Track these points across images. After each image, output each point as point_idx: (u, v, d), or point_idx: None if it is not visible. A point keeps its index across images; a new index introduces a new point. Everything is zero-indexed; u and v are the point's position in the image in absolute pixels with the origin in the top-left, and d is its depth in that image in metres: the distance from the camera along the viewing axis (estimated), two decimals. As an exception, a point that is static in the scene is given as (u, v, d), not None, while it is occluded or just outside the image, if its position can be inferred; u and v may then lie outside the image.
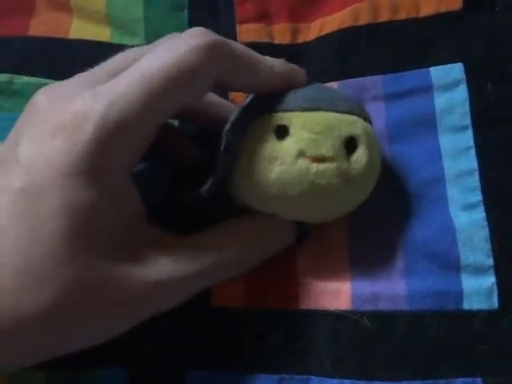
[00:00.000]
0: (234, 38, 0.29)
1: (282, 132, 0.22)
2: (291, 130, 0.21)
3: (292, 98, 0.22)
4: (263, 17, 0.30)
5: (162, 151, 0.25)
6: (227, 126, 0.22)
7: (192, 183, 0.23)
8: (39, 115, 0.20)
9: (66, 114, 0.19)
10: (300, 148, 0.21)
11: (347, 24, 0.28)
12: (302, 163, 0.21)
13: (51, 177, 0.18)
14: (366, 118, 0.23)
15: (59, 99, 0.20)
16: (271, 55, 0.28)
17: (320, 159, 0.21)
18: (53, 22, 0.31)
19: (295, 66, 0.24)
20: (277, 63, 0.23)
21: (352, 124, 0.22)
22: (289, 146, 0.21)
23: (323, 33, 0.29)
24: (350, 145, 0.22)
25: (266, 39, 0.29)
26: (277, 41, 0.29)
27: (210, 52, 0.20)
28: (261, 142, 0.21)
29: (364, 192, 0.23)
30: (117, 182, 0.19)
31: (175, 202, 0.24)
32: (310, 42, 0.29)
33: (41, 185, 0.18)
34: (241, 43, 0.29)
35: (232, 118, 0.22)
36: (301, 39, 0.29)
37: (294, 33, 0.29)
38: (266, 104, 0.22)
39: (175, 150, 0.26)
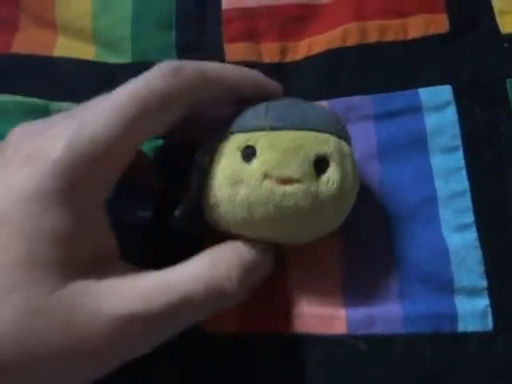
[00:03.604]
0: (222, 57, 0.29)
1: (250, 153, 0.21)
2: (258, 151, 0.21)
3: (262, 116, 0.21)
4: (251, 36, 0.30)
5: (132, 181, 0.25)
6: (199, 149, 0.22)
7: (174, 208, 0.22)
8: (12, 146, 0.19)
9: (37, 144, 0.19)
10: (266, 170, 0.20)
11: (336, 44, 0.28)
12: (268, 185, 0.20)
13: (12, 202, 0.17)
14: (342, 136, 0.22)
15: (34, 132, 0.19)
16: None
17: (287, 181, 0.20)
18: (37, 39, 0.30)
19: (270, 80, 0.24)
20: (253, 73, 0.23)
21: (322, 142, 0.21)
22: (254, 168, 0.20)
23: (312, 52, 0.29)
24: (321, 165, 0.21)
25: (254, 58, 0.29)
26: (265, 60, 0.29)
27: (176, 75, 0.20)
28: (227, 165, 0.21)
29: (339, 213, 0.22)
30: (86, 210, 0.19)
31: (159, 227, 0.24)
32: (298, 62, 0.29)
33: (2, 211, 0.17)
34: (228, 62, 0.29)
35: (206, 141, 0.22)
36: (289, 58, 0.29)
37: (283, 52, 0.29)
38: (236, 123, 0.22)
39: (146, 179, 0.25)
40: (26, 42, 0.30)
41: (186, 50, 0.30)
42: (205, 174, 0.21)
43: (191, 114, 0.21)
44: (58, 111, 0.28)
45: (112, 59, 0.30)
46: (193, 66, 0.21)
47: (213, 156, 0.21)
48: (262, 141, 0.21)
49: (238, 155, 0.21)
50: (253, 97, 0.22)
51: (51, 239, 0.18)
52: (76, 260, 0.18)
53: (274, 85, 0.24)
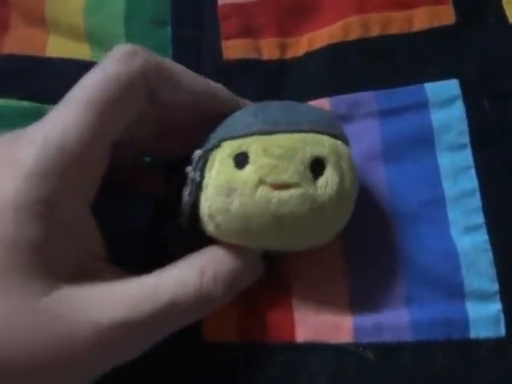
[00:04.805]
0: (220, 55, 0.28)
1: (242, 160, 0.20)
2: (251, 157, 0.20)
3: (252, 120, 0.20)
4: (249, 32, 0.28)
5: (132, 189, 0.25)
6: (191, 162, 0.21)
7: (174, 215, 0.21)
8: None
9: (9, 154, 0.18)
10: (260, 176, 0.19)
11: (337, 39, 0.27)
12: (263, 192, 0.19)
13: None
14: (338, 136, 0.21)
15: (6, 142, 0.19)
16: (259, 72, 0.28)
17: (282, 186, 0.19)
18: (28, 38, 0.29)
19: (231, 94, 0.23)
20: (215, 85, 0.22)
21: (317, 144, 0.20)
22: (248, 174, 0.19)
23: (313, 48, 0.28)
24: (318, 167, 0.20)
25: (253, 55, 0.28)
26: (265, 56, 0.28)
27: (131, 58, 0.19)
28: (219, 173, 0.20)
29: (339, 218, 0.21)
30: (66, 217, 0.18)
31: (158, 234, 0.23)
32: (299, 58, 0.28)
33: None
34: (227, 60, 0.28)
35: (195, 152, 0.21)
36: (289, 54, 0.28)
37: (283, 48, 0.28)
38: (225, 130, 0.21)
39: (146, 186, 0.25)
40: (18, 41, 0.29)
41: (182, 47, 0.29)
42: (198, 185, 0.20)
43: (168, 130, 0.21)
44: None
45: (106, 58, 0.29)
46: (148, 52, 0.20)
47: (204, 166, 0.20)
48: (254, 146, 0.20)
49: (231, 163, 0.20)
50: (209, 108, 0.22)
51: (29, 249, 0.17)
52: (58, 268, 0.18)
53: (237, 102, 0.23)
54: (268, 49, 0.28)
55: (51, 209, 0.18)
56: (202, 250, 0.21)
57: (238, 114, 0.22)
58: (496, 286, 0.22)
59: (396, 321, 0.22)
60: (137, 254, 0.23)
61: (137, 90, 0.20)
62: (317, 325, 0.22)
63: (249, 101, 0.24)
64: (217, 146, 0.20)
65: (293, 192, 0.19)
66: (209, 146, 0.21)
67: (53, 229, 0.18)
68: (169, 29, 0.29)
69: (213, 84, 0.22)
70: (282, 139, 0.20)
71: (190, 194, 0.20)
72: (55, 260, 0.18)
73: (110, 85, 0.19)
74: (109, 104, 0.19)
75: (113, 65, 0.19)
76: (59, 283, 0.17)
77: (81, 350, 0.17)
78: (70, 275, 0.18)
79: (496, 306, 0.21)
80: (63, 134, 0.18)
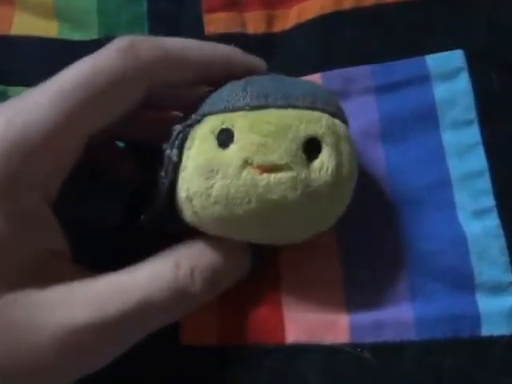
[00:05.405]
0: (201, 29, 0.27)
1: (226, 138, 0.18)
2: (236, 135, 0.18)
3: (239, 94, 0.18)
4: (233, 4, 0.27)
5: (105, 174, 0.23)
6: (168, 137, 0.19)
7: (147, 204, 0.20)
8: None
9: None
10: (245, 156, 0.17)
11: (329, 9, 0.25)
12: (248, 175, 0.17)
13: None
14: (336, 114, 0.19)
15: None
16: (244, 46, 0.25)
17: (271, 168, 0.17)
18: (-7, 16, 0.28)
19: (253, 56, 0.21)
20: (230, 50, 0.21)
21: (313, 122, 0.18)
22: (232, 154, 0.17)
23: (302, 20, 0.26)
24: (312, 148, 0.18)
25: (237, 29, 0.26)
26: (250, 30, 0.26)
27: (131, 53, 0.18)
28: (199, 152, 0.18)
29: (335, 206, 0.19)
30: (25, 211, 0.17)
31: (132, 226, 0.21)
32: (288, 31, 0.26)
33: None
34: (209, 35, 0.26)
35: (174, 127, 0.19)
36: (277, 28, 0.26)
37: (270, 21, 0.26)
38: (209, 104, 0.19)
39: (119, 172, 0.23)
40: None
41: (159, 23, 0.27)
42: (175, 166, 0.18)
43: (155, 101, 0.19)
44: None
45: (76, 36, 0.27)
46: (151, 42, 0.18)
47: (183, 144, 0.18)
48: (240, 122, 0.18)
49: (213, 140, 0.18)
50: (225, 78, 0.20)
51: None
52: (13, 268, 0.16)
53: (255, 62, 0.21)
54: (254, 22, 0.27)
55: (7, 201, 0.16)
56: (178, 244, 0.19)
57: (225, 86, 0.19)
58: (510, 277, 0.20)
59: (399, 318, 0.20)
60: (106, 251, 0.22)
61: (134, 89, 0.18)
62: (308, 323, 0.20)
63: None
64: (198, 121, 0.18)
65: (282, 175, 0.17)
66: (189, 120, 0.19)
67: (9, 223, 0.16)
68: (144, 2, 0.28)
69: (224, 50, 0.20)
70: (273, 115, 0.18)
71: (166, 175, 0.18)
72: (10, 257, 0.16)
73: (101, 80, 0.17)
74: (95, 100, 0.17)
75: (107, 56, 0.18)
76: (13, 284, 0.16)
77: (46, 356, 0.16)
78: (27, 275, 0.17)
79: (510, 299, 0.20)
80: (29, 121, 0.17)
